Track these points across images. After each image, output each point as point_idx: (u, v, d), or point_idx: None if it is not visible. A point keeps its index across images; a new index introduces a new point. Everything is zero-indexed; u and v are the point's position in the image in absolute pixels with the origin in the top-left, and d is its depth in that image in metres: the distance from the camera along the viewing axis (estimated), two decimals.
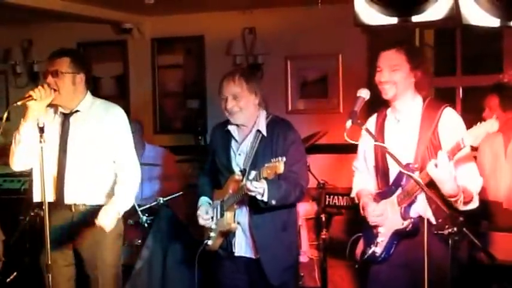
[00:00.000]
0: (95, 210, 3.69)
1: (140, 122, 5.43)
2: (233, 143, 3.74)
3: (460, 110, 5.59)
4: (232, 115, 3.64)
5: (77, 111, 3.76)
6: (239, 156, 3.70)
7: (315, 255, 5.31)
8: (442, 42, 6.07)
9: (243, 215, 3.67)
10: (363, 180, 3.64)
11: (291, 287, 3.79)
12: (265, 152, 3.60)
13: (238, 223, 3.68)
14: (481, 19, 3.67)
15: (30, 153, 3.62)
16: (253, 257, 3.67)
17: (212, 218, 3.73)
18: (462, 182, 3.19)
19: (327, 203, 5.08)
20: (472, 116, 3.04)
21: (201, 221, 3.74)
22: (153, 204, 4.84)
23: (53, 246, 3.53)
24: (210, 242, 3.73)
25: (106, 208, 3.66)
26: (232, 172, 3.68)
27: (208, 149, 3.96)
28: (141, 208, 4.74)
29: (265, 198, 3.46)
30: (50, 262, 3.39)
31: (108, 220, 3.63)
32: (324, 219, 5.00)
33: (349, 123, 3.19)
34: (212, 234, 3.73)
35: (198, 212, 3.76)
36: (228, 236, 3.70)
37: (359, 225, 3.57)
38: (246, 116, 3.66)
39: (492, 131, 2.96)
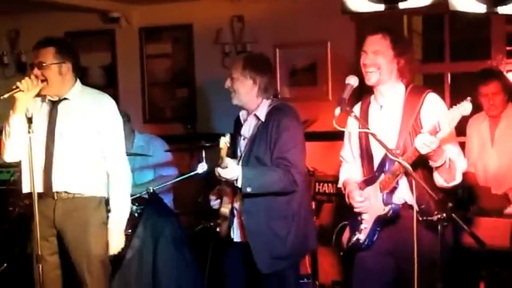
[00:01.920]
0: (77, 199, 3.72)
1: (127, 113, 5.40)
2: (241, 129, 3.81)
3: (449, 96, 5.60)
4: (232, 96, 3.74)
5: (65, 98, 3.75)
6: (242, 141, 3.74)
7: None
8: (430, 28, 6.09)
9: (238, 200, 3.69)
10: (349, 170, 3.66)
11: (289, 279, 3.75)
12: (261, 138, 3.64)
13: (235, 209, 3.70)
14: (468, 5, 3.69)
15: (20, 144, 3.61)
16: (242, 241, 3.71)
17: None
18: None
19: (316, 190, 5.10)
20: (460, 102, 3.04)
21: (211, 203, 3.84)
22: (143, 193, 4.83)
23: (43, 237, 3.56)
24: (218, 229, 3.80)
25: (112, 230, 3.75)
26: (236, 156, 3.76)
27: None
28: (131, 197, 4.73)
29: (238, 185, 3.48)
30: (40, 253, 3.40)
31: (118, 241, 3.77)
32: (313, 206, 5.01)
33: (338, 110, 3.21)
34: (219, 220, 3.79)
35: (210, 196, 3.86)
36: (229, 222, 3.72)
37: (344, 213, 3.60)
38: (240, 98, 3.71)
39: (466, 113, 2.99)
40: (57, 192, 3.71)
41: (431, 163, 3.22)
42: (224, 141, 3.35)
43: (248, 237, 3.64)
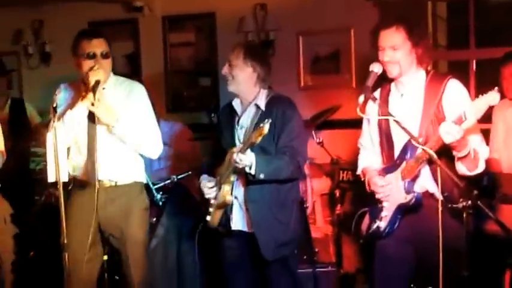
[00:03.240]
0: (120, 186, 3.81)
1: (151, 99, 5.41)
2: (236, 118, 3.80)
3: (474, 84, 5.55)
4: (227, 81, 3.76)
5: (103, 88, 3.78)
6: (240, 130, 3.76)
7: (329, 230, 5.34)
8: (455, 14, 6.03)
9: (240, 188, 3.70)
10: (368, 157, 3.66)
11: (290, 264, 3.83)
12: None
13: (235, 197, 3.72)
14: None
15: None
16: (248, 231, 3.73)
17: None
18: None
19: (341, 178, 5.10)
20: (486, 90, 3.01)
21: (206, 191, 3.80)
22: (167, 182, 4.86)
23: (79, 225, 3.66)
24: (208, 218, 3.78)
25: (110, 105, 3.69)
26: (234, 145, 3.74)
27: (216, 132, 4.01)
28: (156, 186, 4.77)
29: (252, 171, 3.50)
30: (66, 241, 3.45)
31: (99, 101, 3.63)
32: (338, 194, 5.02)
33: (362, 98, 3.22)
34: (211, 209, 3.78)
35: (201, 186, 3.83)
36: (226, 210, 3.73)
37: (363, 200, 3.60)
38: (238, 85, 3.74)
39: (494, 103, 2.96)
40: (100, 180, 3.74)
41: (454, 153, 3.20)
42: (267, 128, 3.33)
43: (254, 226, 3.68)
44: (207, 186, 3.80)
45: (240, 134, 3.76)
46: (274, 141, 3.65)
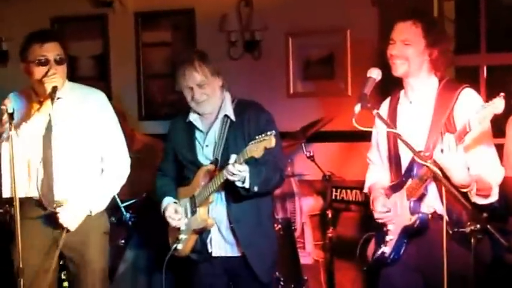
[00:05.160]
0: None
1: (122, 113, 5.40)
2: (198, 134, 3.80)
3: (485, 92, 5.58)
4: (199, 105, 3.71)
5: (58, 98, 3.76)
6: (206, 147, 3.75)
7: (320, 256, 5.33)
8: (464, 15, 6.06)
9: (218, 209, 3.70)
10: (376, 174, 3.66)
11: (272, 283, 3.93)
12: (236, 138, 3.66)
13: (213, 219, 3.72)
14: None
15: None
16: (235, 254, 3.72)
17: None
18: (476, 170, 3.18)
19: (333, 197, 5.09)
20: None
21: (173, 222, 3.78)
22: (137, 200, 4.84)
23: (37, 248, 3.62)
24: (180, 246, 3.76)
25: (74, 204, 3.70)
26: (200, 166, 3.72)
27: (166, 147, 3.99)
28: (124, 204, 4.75)
29: (246, 185, 3.50)
30: (21, 265, 3.42)
31: (73, 219, 3.68)
32: (330, 215, 5.01)
33: (358, 107, 3.20)
34: (182, 236, 3.76)
35: (167, 214, 3.79)
36: (201, 235, 3.72)
37: (370, 222, 3.59)
38: (213, 102, 3.73)
39: (498, 111, 2.96)
40: (57, 201, 3.72)
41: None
42: (274, 141, 3.33)
43: (244, 247, 3.68)
44: (175, 215, 3.78)
45: (206, 151, 3.75)
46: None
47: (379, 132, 3.53)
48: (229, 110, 3.74)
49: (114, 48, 6.67)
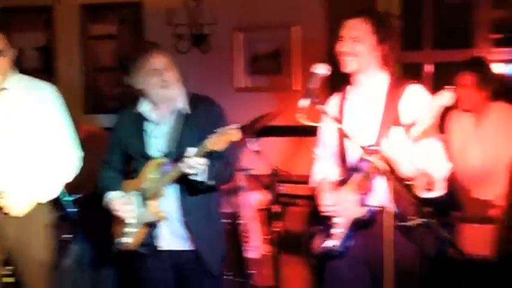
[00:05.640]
0: None
1: None
2: (148, 126, 3.75)
3: (429, 88, 5.64)
4: (166, 88, 3.66)
5: (3, 88, 3.70)
6: (158, 139, 3.71)
7: (267, 250, 5.34)
8: (410, 13, 6.14)
9: (168, 202, 3.68)
10: (323, 168, 3.67)
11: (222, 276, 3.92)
12: (190, 131, 3.65)
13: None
14: None
15: None
16: (185, 248, 3.71)
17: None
18: (422, 164, 3.22)
19: (279, 191, 5.11)
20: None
21: (124, 214, 3.72)
22: (84, 194, 4.79)
23: None
24: (128, 240, 3.72)
25: (18, 191, 3.65)
26: (150, 158, 3.70)
27: (112, 139, 3.92)
28: (70, 198, 4.69)
29: (202, 178, 3.50)
30: None
31: (18, 205, 3.63)
32: (277, 210, 5.02)
33: (302, 102, 3.21)
34: (131, 229, 3.71)
35: (116, 207, 3.73)
36: (150, 228, 3.71)
37: (317, 216, 3.62)
38: (175, 89, 3.69)
39: (446, 104, 3.01)
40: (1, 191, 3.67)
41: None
42: (237, 135, 3.32)
43: (196, 240, 3.67)
44: (125, 207, 3.75)
45: (158, 143, 3.72)
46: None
47: (326, 127, 3.55)
48: (184, 103, 3.73)
49: (59, 40, 6.59)
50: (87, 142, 5.21)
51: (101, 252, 4.74)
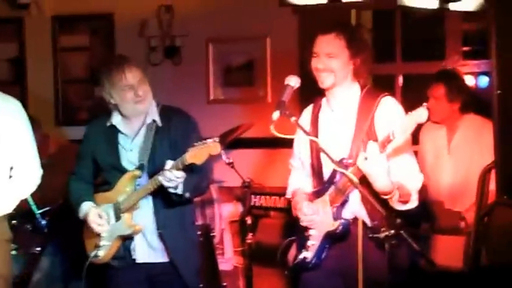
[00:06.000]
0: None
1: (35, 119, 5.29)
2: (121, 138, 3.74)
3: (400, 100, 5.69)
4: (141, 102, 3.64)
5: None
6: (131, 152, 3.70)
7: (240, 262, 5.33)
8: (381, 25, 6.19)
9: (143, 215, 3.66)
10: (298, 179, 3.68)
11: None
12: (162, 144, 3.65)
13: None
14: (418, 1, 3.74)
15: None
16: (160, 260, 3.69)
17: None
18: (397, 178, 3.24)
19: (253, 203, 5.11)
20: (414, 107, 3.08)
21: (97, 228, 3.69)
22: (54, 207, 4.75)
23: None
24: (101, 253, 3.69)
25: None
26: (123, 171, 3.67)
27: (82, 151, 3.89)
28: (40, 211, 4.65)
29: (179, 191, 3.48)
30: None
31: None
32: (249, 222, 5.02)
33: (276, 114, 3.20)
34: (104, 242, 3.69)
35: (89, 219, 3.69)
36: (124, 241, 3.68)
37: (292, 228, 3.62)
38: (148, 102, 3.68)
39: (421, 121, 3.03)
40: None
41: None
42: (218, 148, 3.32)
43: (172, 253, 3.66)
44: (99, 220, 3.70)
45: (131, 156, 3.69)
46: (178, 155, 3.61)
47: (301, 139, 3.56)
48: (155, 115, 3.71)
49: (30, 51, 6.54)
50: (57, 155, 5.21)
51: (72, 265, 4.70)
